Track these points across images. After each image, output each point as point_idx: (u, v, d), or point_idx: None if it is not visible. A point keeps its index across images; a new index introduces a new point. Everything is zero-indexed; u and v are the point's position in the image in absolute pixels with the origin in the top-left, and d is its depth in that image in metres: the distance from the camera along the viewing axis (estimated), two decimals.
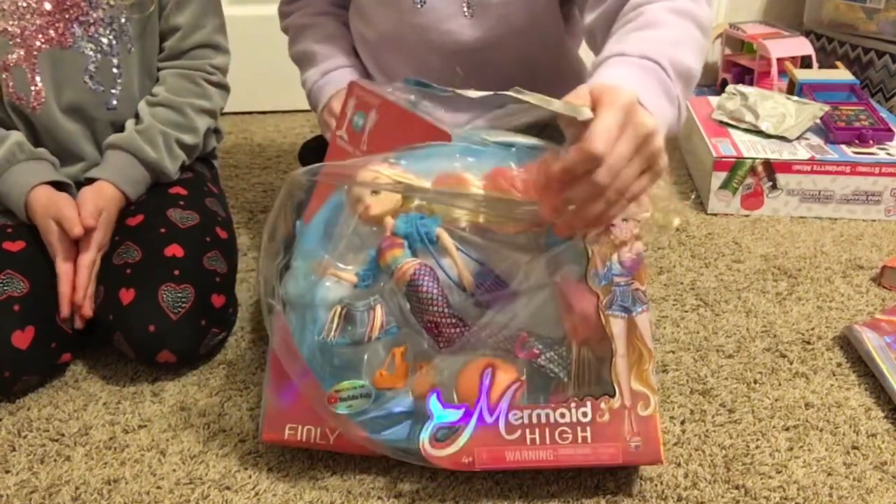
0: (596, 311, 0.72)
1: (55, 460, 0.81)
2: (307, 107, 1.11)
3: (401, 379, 0.74)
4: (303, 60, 1.09)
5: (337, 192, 0.79)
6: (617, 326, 0.72)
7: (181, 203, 1.02)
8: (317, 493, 0.76)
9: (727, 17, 1.96)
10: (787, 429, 0.84)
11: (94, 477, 0.79)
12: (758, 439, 0.83)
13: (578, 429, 0.71)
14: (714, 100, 1.56)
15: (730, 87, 1.54)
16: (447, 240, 0.75)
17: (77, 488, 0.77)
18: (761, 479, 0.78)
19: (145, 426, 0.86)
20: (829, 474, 0.78)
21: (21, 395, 0.90)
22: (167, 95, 1.05)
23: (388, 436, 0.74)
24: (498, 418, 0.71)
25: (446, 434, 0.71)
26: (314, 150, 1.22)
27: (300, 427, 0.75)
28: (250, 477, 0.78)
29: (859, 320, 1.02)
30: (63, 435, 0.84)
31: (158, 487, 0.77)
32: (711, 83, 1.97)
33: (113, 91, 1.02)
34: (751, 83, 1.76)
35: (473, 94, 0.72)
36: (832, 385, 0.91)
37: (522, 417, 0.72)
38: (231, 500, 0.76)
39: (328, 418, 0.74)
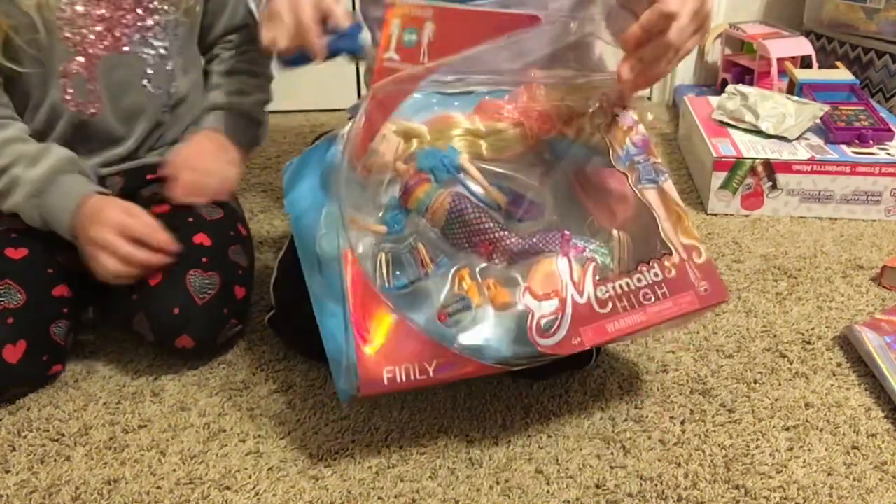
0: (630, 188, 0.80)
1: (55, 460, 0.81)
2: (307, 107, 1.11)
3: (476, 297, 0.75)
4: None
5: (318, 152, 0.83)
6: (651, 196, 0.81)
7: None
8: (317, 493, 0.76)
9: (727, 17, 1.96)
10: (787, 429, 0.84)
11: (94, 477, 0.79)
12: (758, 439, 0.83)
13: (656, 288, 0.77)
14: (714, 100, 1.56)
15: (730, 87, 1.54)
16: (471, 165, 0.79)
17: (77, 488, 0.77)
18: (761, 479, 0.78)
19: (145, 426, 0.86)
20: (829, 474, 0.78)
21: (21, 396, 0.90)
22: (237, 65, 1.09)
23: (491, 350, 0.73)
24: (589, 297, 0.75)
25: (550, 323, 0.73)
26: None
27: (397, 368, 0.72)
28: (250, 477, 0.78)
29: (859, 320, 1.02)
30: (63, 435, 0.84)
31: (158, 487, 0.77)
32: (711, 83, 1.97)
33: (171, 92, 1.04)
34: (751, 83, 1.76)
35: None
36: (832, 385, 0.91)
37: (608, 291, 0.76)
38: (231, 500, 0.76)
39: (431, 345, 0.72)
